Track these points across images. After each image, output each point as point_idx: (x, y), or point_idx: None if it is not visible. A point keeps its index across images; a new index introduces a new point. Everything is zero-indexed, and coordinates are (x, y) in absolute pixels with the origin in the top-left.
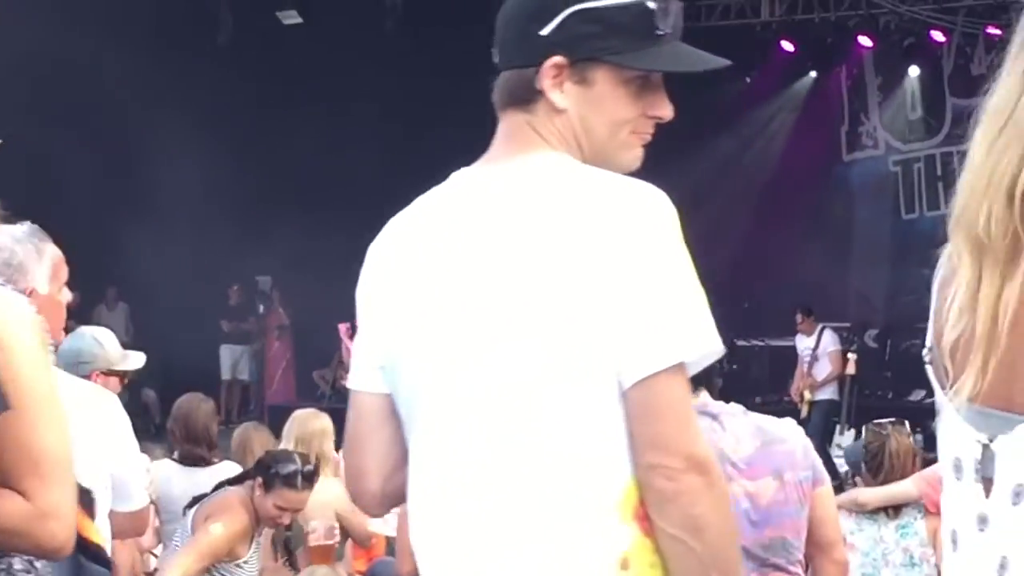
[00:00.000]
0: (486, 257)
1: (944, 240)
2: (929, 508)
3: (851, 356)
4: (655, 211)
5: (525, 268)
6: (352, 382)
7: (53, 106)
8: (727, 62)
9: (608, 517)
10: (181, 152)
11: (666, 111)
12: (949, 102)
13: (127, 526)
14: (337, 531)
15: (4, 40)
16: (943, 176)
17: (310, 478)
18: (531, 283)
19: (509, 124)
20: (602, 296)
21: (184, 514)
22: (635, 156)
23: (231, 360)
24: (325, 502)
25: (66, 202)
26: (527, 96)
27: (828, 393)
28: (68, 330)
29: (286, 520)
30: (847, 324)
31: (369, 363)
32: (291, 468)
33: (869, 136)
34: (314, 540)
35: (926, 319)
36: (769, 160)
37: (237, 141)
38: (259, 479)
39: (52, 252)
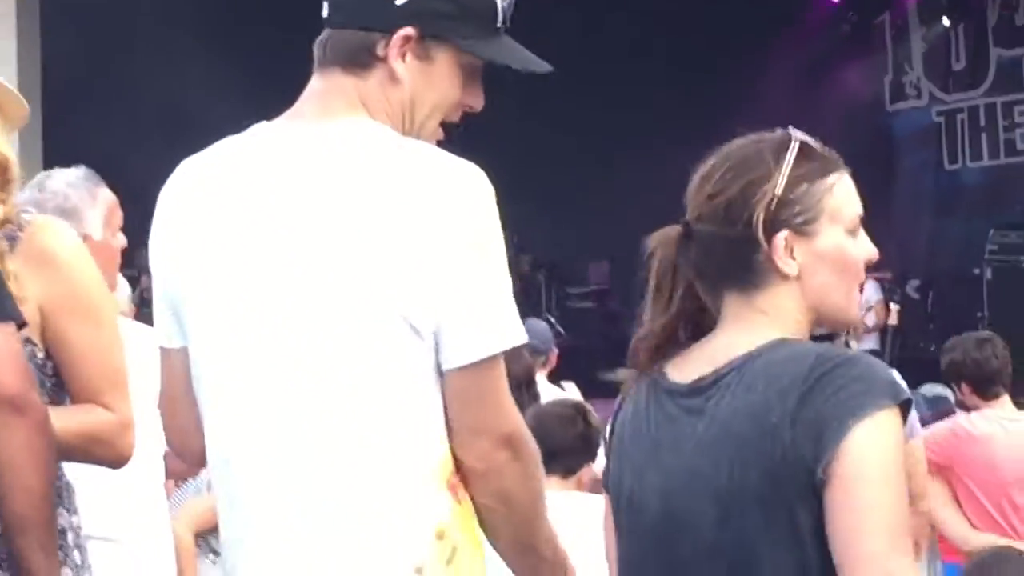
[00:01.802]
0: (301, 218)
1: (986, 191)
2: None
3: (894, 307)
4: (477, 193)
5: (343, 236)
6: (158, 338)
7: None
8: (549, 68)
9: (425, 487)
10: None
11: (480, 102)
12: (993, 53)
13: (177, 466)
14: None
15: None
16: (986, 127)
17: None
18: (347, 252)
19: (330, 83)
20: (421, 276)
21: None
22: (436, 139)
23: None
24: None
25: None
26: (364, 60)
27: (870, 343)
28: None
29: None
30: (888, 275)
31: (166, 317)
32: None
33: (912, 86)
34: None
35: (968, 271)
36: (812, 108)
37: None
38: None
39: (106, 196)
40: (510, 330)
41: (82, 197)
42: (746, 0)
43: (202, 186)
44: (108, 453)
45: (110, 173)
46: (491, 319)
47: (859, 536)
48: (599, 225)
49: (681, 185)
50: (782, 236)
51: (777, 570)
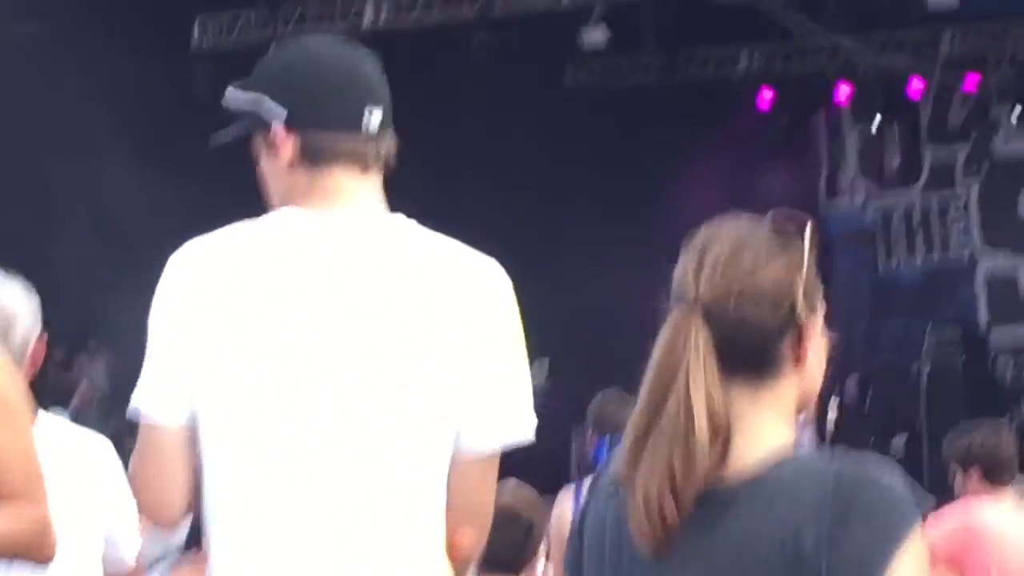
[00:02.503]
0: (358, 312)
1: (923, 288)
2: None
3: (834, 400)
4: (509, 289)
5: (399, 332)
6: (151, 413)
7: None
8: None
9: (439, 555)
10: (161, 203)
11: None
12: (928, 150)
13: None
14: None
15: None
16: (922, 224)
17: None
18: (404, 347)
19: (342, 179)
20: (470, 370)
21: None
22: None
23: None
24: None
25: (50, 253)
26: (380, 164)
27: (807, 435)
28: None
29: None
30: (828, 369)
31: (175, 391)
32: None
33: (848, 185)
34: None
35: (906, 366)
36: (748, 207)
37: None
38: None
39: (34, 300)
40: (530, 420)
41: (22, 304)
42: (678, 99)
43: (237, 266)
44: (32, 551)
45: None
46: (520, 410)
47: None
48: (540, 324)
49: (618, 283)
50: (810, 324)
51: None
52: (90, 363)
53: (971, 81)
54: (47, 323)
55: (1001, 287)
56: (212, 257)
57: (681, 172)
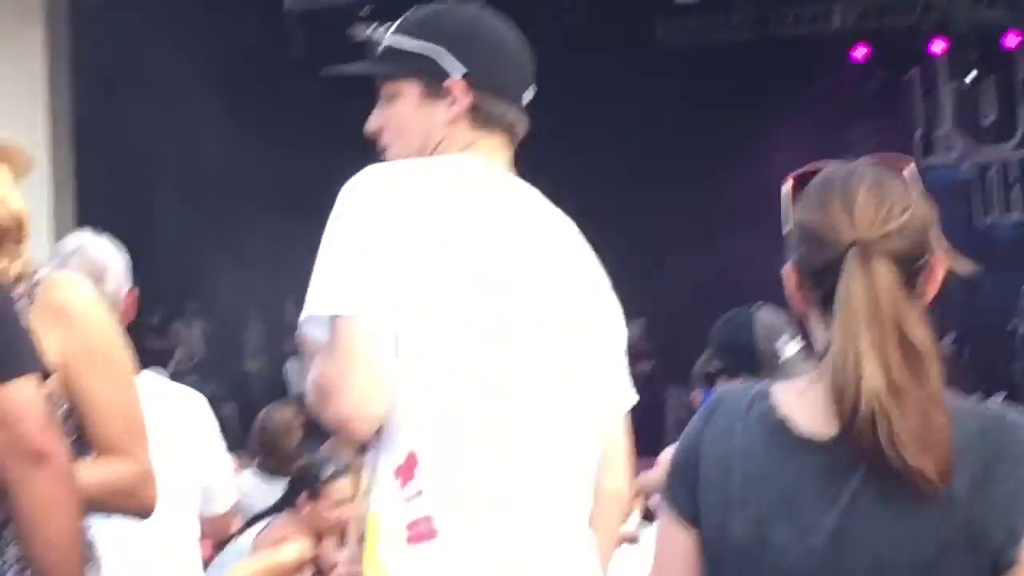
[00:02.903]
0: (536, 257)
1: (1019, 245)
2: None
3: None
4: None
5: (567, 283)
6: (355, 308)
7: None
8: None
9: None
10: (255, 167)
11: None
12: (1022, 106)
13: (212, 530)
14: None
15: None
16: (1019, 181)
17: (345, 469)
18: (571, 300)
19: (498, 145)
20: (605, 323)
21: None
22: None
23: (297, 373)
24: None
25: (150, 218)
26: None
27: None
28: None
29: (345, 514)
30: None
31: (380, 291)
32: (330, 465)
33: (943, 141)
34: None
35: (1002, 324)
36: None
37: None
38: (303, 496)
39: (122, 253)
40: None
41: (111, 257)
42: (773, 55)
43: (430, 194)
44: (132, 504)
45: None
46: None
47: None
48: (634, 285)
49: (712, 244)
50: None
51: None
52: (186, 328)
53: None
54: (144, 287)
55: None
56: (405, 180)
57: (775, 129)
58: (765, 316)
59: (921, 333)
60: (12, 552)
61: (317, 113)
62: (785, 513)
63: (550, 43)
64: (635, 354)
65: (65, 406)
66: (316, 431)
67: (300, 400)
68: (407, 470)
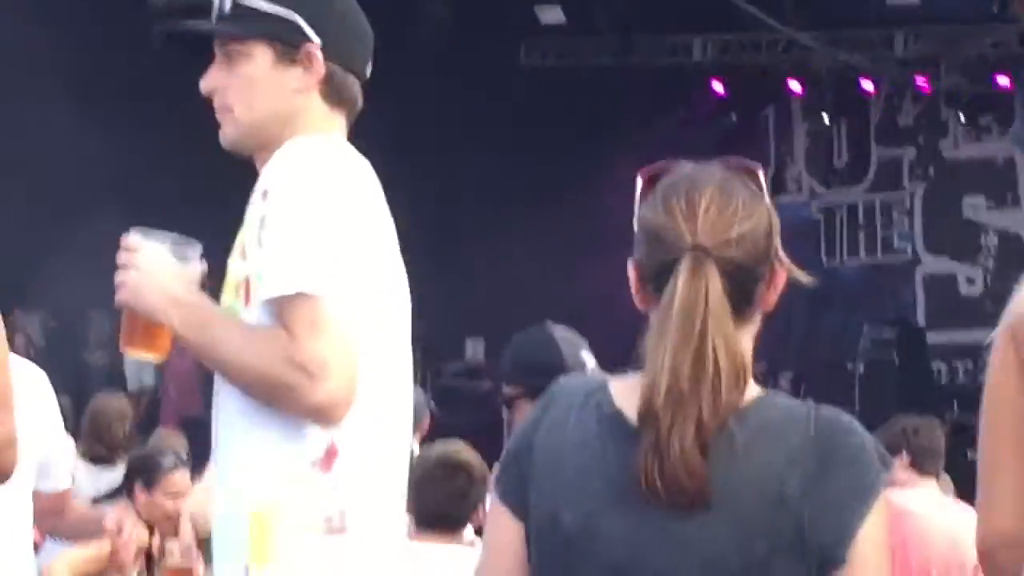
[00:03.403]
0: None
1: (862, 287)
2: None
3: None
4: None
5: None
6: (338, 290)
7: None
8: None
9: None
10: (91, 157)
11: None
12: (875, 151)
13: (48, 507)
14: (195, 551)
15: None
16: (865, 224)
17: (184, 461)
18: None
19: (344, 123)
20: None
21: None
22: None
23: (136, 369)
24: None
25: None
26: None
27: None
28: None
29: (180, 506)
30: (763, 366)
31: (359, 277)
32: (169, 456)
33: (794, 181)
34: (171, 564)
35: (842, 364)
36: None
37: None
38: (138, 484)
39: None
40: None
41: None
42: (632, 86)
43: (368, 183)
44: None
45: None
46: None
47: None
48: (475, 302)
49: (557, 266)
50: (780, 269)
51: None
52: (26, 317)
53: (922, 83)
54: None
55: (940, 290)
56: (356, 166)
57: (630, 157)
58: (561, 331)
59: (731, 348)
60: None
61: (165, 114)
62: (617, 505)
63: (418, 61)
64: (475, 371)
65: None
66: (148, 424)
67: (136, 393)
68: (326, 462)
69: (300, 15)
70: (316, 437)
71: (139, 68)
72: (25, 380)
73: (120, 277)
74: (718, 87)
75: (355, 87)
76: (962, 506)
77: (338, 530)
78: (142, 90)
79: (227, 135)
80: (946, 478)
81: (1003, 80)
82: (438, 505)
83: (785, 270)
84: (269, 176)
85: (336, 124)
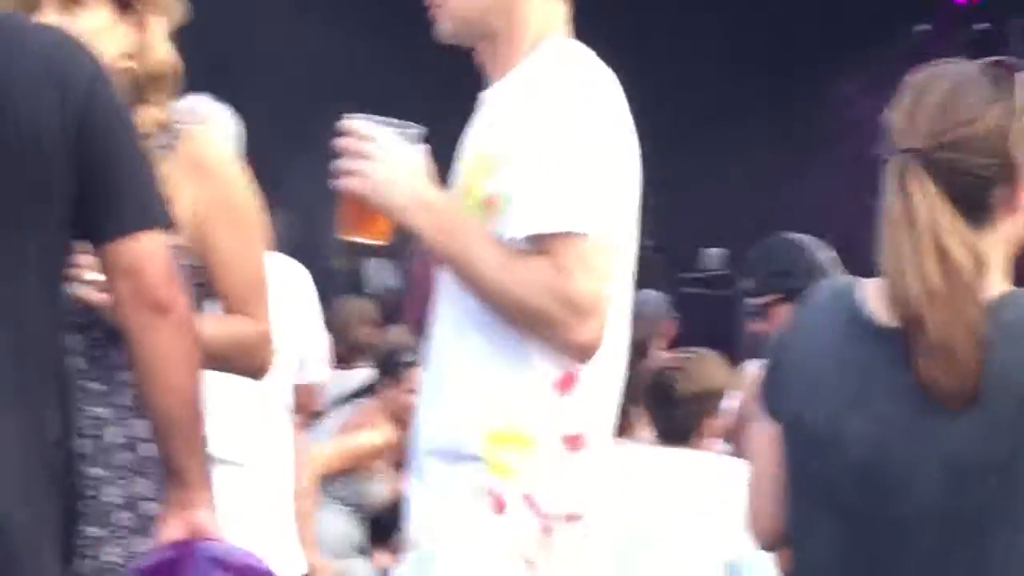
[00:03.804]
0: None
1: None
2: None
3: None
4: None
5: None
6: (610, 231)
7: None
8: None
9: None
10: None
11: None
12: None
13: (306, 400)
14: None
15: None
16: None
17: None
18: None
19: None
20: None
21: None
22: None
23: (377, 270)
24: None
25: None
26: None
27: None
28: None
29: None
30: None
31: (622, 215)
32: (408, 352)
33: None
34: None
35: None
36: None
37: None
38: (386, 377)
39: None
40: None
41: (218, 111)
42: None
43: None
44: (249, 362)
45: None
46: None
47: None
48: (716, 213)
49: (791, 182)
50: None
51: (1011, 550)
52: (282, 217)
53: None
54: None
55: None
56: (615, 86)
57: (870, 73)
58: (801, 237)
59: (958, 248)
60: (126, 399)
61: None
62: (859, 403)
63: None
64: (717, 280)
65: (189, 258)
66: (389, 323)
67: (376, 297)
68: (566, 384)
69: None
70: (554, 360)
71: None
72: (286, 275)
73: (353, 166)
74: None
75: None
76: None
77: (575, 450)
78: None
79: (444, 28)
80: None
81: None
82: (678, 420)
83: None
84: (535, 91)
85: (553, 10)
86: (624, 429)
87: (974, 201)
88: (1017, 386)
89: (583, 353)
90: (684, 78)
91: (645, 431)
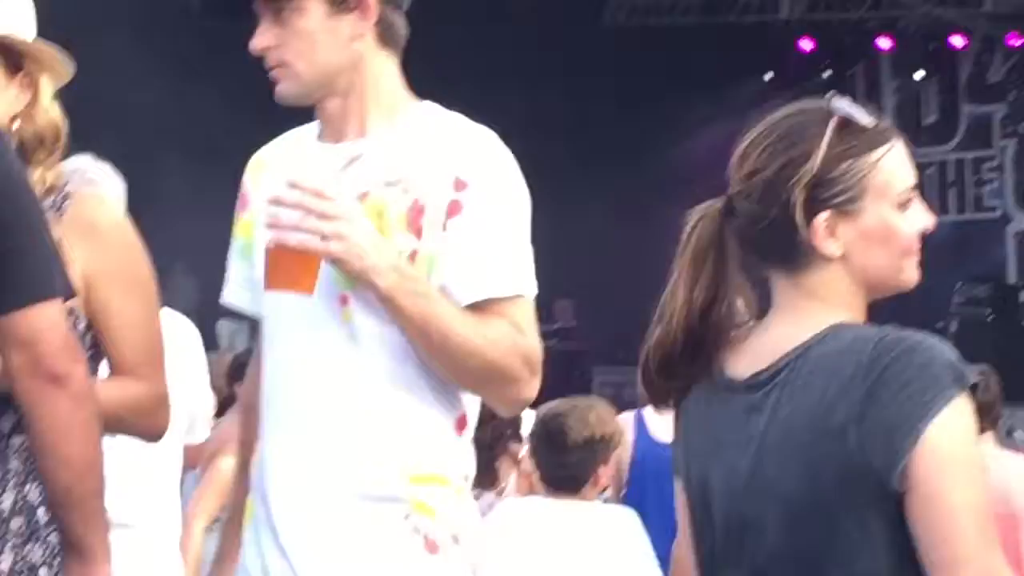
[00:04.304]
0: None
1: (953, 245)
2: None
3: None
4: None
5: None
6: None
7: None
8: None
9: None
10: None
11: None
12: (964, 108)
13: (195, 459)
14: None
15: None
16: (955, 182)
17: None
18: None
19: (397, 69)
20: None
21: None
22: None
23: (230, 332)
24: None
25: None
26: None
27: None
28: None
29: None
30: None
31: None
32: None
33: None
34: None
35: (933, 324)
36: None
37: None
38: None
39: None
40: None
41: (105, 172)
42: (723, 48)
43: None
44: (146, 426)
45: None
46: None
47: (951, 541)
48: (564, 264)
49: (646, 230)
50: (822, 218)
51: None
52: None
53: (1012, 38)
54: None
55: None
56: None
57: (717, 118)
58: None
59: (710, 293)
60: (15, 464)
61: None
62: (717, 457)
63: (497, 23)
64: (566, 332)
65: (83, 323)
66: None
67: (229, 356)
68: (460, 427)
69: None
70: (454, 404)
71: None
72: (172, 334)
73: (326, 227)
74: (806, 45)
75: (403, 27)
76: (1013, 456)
77: (465, 489)
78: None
79: (288, 91)
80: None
81: None
82: (571, 467)
83: (818, 224)
84: (462, 164)
85: (393, 66)
86: (489, 481)
87: (783, 245)
88: (823, 420)
89: (524, 406)
90: (525, 125)
91: (507, 481)
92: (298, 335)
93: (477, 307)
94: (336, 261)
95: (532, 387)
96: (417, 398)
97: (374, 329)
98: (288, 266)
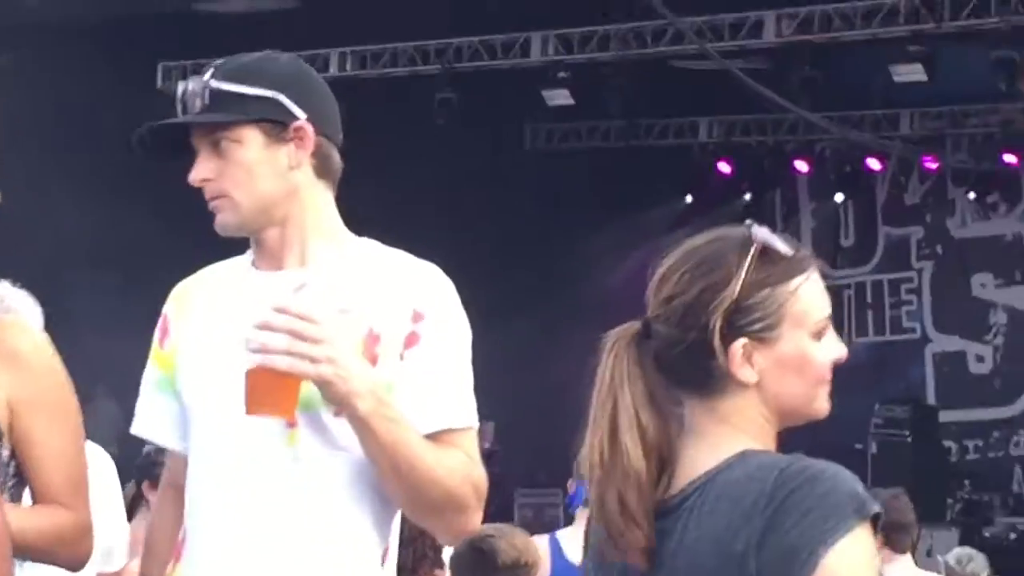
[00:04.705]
0: None
1: (871, 367)
2: None
3: None
4: None
5: None
6: None
7: None
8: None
9: None
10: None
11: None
12: (882, 230)
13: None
14: None
15: None
16: (874, 304)
17: None
18: None
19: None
20: None
21: None
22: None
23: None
24: None
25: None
26: None
27: None
28: None
29: None
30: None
31: None
32: None
33: None
34: None
35: (852, 445)
36: None
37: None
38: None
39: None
40: None
41: (23, 300)
42: (643, 171)
43: None
44: (69, 554)
45: None
46: None
47: None
48: (486, 387)
49: (567, 352)
50: (739, 344)
51: None
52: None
53: (929, 161)
54: None
55: (950, 368)
56: None
57: (637, 238)
58: None
59: (631, 420)
60: None
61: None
62: None
63: (422, 140)
64: (487, 456)
65: (6, 451)
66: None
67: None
68: (384, 558)
69: (284, 93)
70: (384, 535)
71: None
72: (94, 465)
73: (317, 351)
74: (725, 168)
75: (338, 157)
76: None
77: None
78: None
79: (228, 221)
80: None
81: (1010, 158)
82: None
83: (735, 350)
84: (418, 296)
85: (330, 196)
86: None
87: (699, 369)
88: (724, 547)
89: (466, 536)
90: (446, 255)
91: None
92: (240, 451)
93: (433, 436)
94: (324, 384)
95: (478, 517)
96: (352, 527)
97: (320, 453)
98: (270, 391)
